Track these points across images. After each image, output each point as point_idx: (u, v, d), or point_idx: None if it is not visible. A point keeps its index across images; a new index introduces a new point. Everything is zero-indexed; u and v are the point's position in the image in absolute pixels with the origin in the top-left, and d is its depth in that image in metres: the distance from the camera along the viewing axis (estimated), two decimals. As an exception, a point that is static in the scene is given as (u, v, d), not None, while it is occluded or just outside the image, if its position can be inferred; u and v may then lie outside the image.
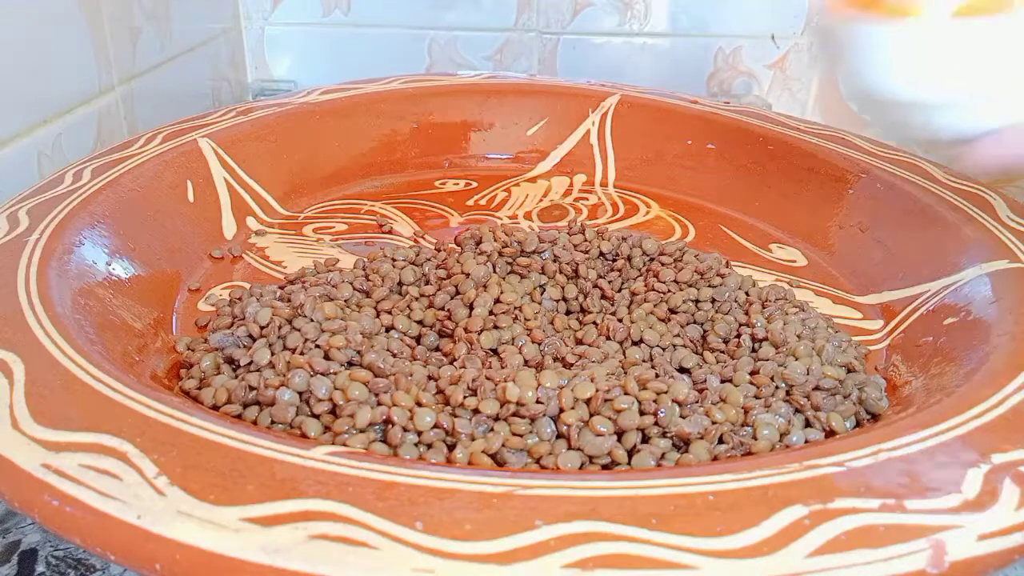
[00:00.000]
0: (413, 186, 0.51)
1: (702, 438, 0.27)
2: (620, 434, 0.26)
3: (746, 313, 0.34)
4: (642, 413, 0.27)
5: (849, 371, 0.31)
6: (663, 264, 0.37)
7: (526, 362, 0.31)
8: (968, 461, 0.22)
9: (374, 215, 0.46)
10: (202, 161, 0.43)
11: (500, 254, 0.37)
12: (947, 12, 0.31)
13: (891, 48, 0.32)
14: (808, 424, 0.28)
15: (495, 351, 0.32)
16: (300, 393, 0.27)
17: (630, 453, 0.26)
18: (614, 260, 0.38)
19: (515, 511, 0.19)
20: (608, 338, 0.33)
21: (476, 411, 0.27)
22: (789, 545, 0.19)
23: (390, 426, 0.26)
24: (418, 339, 0.33)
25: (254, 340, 0.30)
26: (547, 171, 0.54)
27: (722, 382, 0.30)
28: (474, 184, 0.52)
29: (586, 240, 0.38)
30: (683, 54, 0.71)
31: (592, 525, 0.19)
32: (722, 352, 0.33)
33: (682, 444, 0.27)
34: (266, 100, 0.51)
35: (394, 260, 0.37)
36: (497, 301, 0.34)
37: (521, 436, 0.26)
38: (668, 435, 0.27)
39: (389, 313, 0.34)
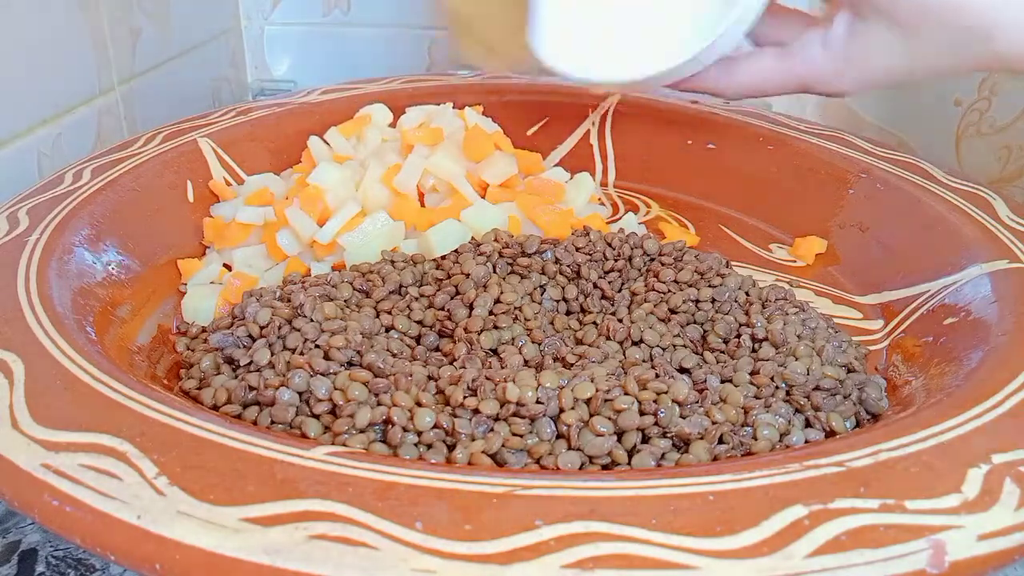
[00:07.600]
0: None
1: (702, 438, 0.27)
2: (620, 434, 0.26)
3: (746, 313, 0.34)
4: (642, 413, 0.27)
5: (849, 371, 0.31)
6: (663, 264, 0.37)
7: (526, 362, 0.31)
8: (968, 461, 0.22)
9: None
10: (202, 161, 0.43)
11: (500, 255, 0.37)
12: None
13: None
14: (808, 424, 0.28)
15: (495, 351, 0.32)
16: (300, 393, 0.27)
17: (630, 453, 0.26)
18: (615, 260, 0.38)
19: (515, 511, 0.19)
20: (608, 338, 0.33)
21: (476, 411, 0.27)
22: (789, 545, 0.19)
23: (390, 426, 0.26)
24: (418, 339, 0.33)
25: (254, 340, 0.30)
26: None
27: (722, 382, 0.30)
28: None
29: (591, 243, 0.38)
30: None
31: (592, 525, 0.19)
32: (722, 352, 0.33)
33: (682, 444, 0.27)
34: (266, 100, 0.51)
35: (393, 261, 0.37)
36: (497, 301, 0.34)
37: (521, 436, 0.26)
38: (668, 435, 0.27)
39: (389, 313, 0.33)
